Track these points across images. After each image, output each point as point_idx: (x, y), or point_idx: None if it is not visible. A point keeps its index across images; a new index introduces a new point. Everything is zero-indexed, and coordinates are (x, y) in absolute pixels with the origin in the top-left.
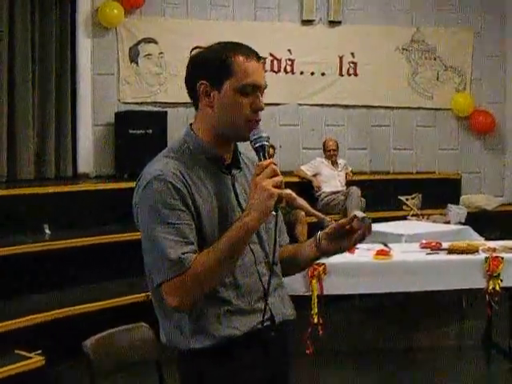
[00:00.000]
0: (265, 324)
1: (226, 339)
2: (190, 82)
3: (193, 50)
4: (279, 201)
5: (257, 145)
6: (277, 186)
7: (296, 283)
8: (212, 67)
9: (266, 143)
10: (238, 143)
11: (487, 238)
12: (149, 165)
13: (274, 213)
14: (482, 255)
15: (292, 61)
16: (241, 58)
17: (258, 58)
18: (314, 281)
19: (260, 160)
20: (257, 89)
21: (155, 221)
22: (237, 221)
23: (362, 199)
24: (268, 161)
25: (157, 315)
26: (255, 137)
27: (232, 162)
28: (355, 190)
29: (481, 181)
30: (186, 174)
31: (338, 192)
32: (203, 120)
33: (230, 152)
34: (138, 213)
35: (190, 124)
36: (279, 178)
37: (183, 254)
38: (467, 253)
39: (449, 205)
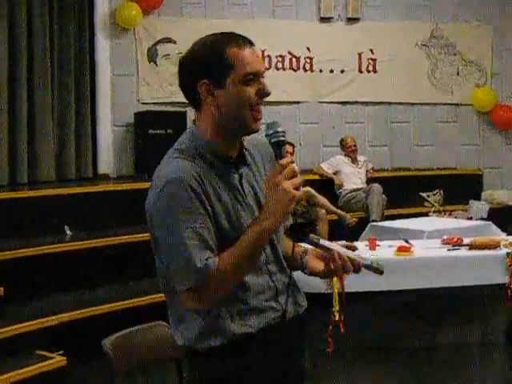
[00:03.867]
0: (277, 321)
1: (240, 337)
2: (188, 84)
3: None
4: (297, 201)
5: (273, 140)
6: (296, 188)
7: (317, 281)
8: (210, 65)
9: (282, 139)
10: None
11: (509, 234)
12: (160, 167)
13: None
14: (504, 250)
15: (311, 59)
16: (236, 50)
17: (250, 43)
18: (335, 278)
19: (277, 157)
20: (258, 75)
21: (175, 225)
22: (255, 224)
23: (384, 197)
24: (287, 160)
25: (169, 315)
26: (271, 131)
27: (238, 158)
28: (377, 188)
29: (502, 176)
30: (201, 174)
31: (359, 189)
32: (208, 119)
33: (236, 149)
34: (152, 216)
35: (193, 122)
36: (299, 180)
37: (207, 260)
38: (489, 248)
39: (470, 200)
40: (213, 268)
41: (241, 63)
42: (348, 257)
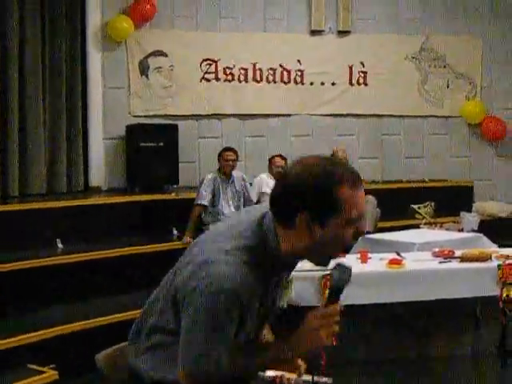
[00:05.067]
0: None
1: None
2: (287, 205)
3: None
4: None
5: (334, 282)
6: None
7: (308, 294)
8: (316, 202)
9: (344, 284)
10: None
11: (501, 245)
12: (221, 255)
13: None
14: (495, 262)
15: (302, 71)
16: (348, 192)
17: (361, 182)
18: (326, 291)
19: (331, 297)
20: (361, 218)
21: (208, 327)
22: (276, 348)
23: (378, 209)
24: (338, 307)
25: (142, 341)
26: (337, 271)
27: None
28: (371, 200)
29: (493, 188)
30: (256, 284)
31: None
32: (295, 243)
33: None
34: (190, 303)
35: (273, 226)
36: (336, 328)
37: (219, 366)
38: (480, 260)
39: (461, 212)
40: (220, 364)
41: (349, 207)
42: None
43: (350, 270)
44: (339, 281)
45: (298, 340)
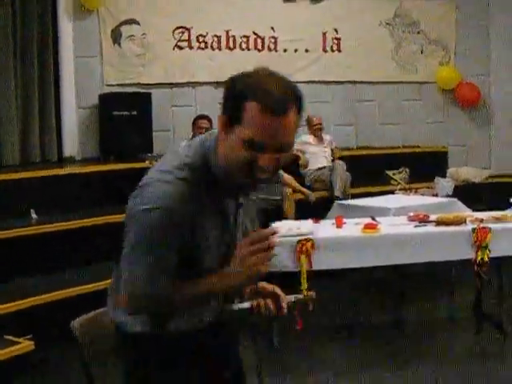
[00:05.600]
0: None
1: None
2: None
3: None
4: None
5: (262, 206)
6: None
7: (285, 259)
8: (229, 106)
9: (272, 207)
10: None
11: (475, 210)
12: (158, 175)
13: None
14: (470, 226)
15: (275, 38)
16: (256, 111)
17: (284, 110)
18: (302, 256)
19: (260, 223)
20: (267, 149)
21: (143, 247)
22: (221, 278)
23: (348, 174)
24: (267, 232)
25: (110, 293)
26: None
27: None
28: (340, 164)
29: (467, 153)
30: (196, 204)
31: (324, 168)
32: (221, 151)
33: None
34: (131, 218)
35: (214, 140)
36: (272, 253)
37: (159, 287)
38: (455, 224)
39: (436, 178)
40: (162, 297)
41: (248, 125)
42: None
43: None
44: (265, 200)
45: (231, 272)
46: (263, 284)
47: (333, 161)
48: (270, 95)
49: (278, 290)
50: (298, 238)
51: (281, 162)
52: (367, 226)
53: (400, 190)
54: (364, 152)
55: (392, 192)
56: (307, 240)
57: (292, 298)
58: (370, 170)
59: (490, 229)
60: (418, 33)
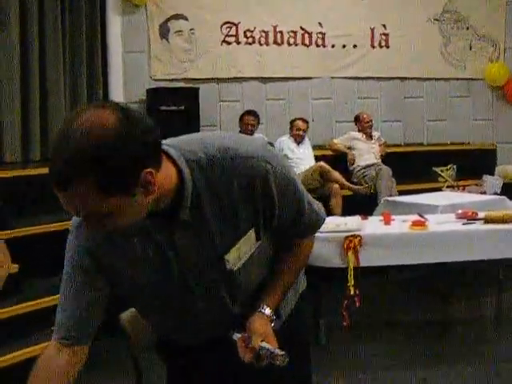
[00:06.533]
0: None
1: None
2: None
3: None
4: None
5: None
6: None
7: (332, 256)
8: None
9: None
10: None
11: None
12: None
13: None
14: None
15: (323, 34)
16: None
17: (63, 187)
18: (349, 253)
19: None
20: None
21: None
22: None
23: (393, 179)
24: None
25: None
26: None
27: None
28: (386, 171)
29: None
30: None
31: (372, 165)
32: None
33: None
34: None
35: None
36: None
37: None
38: (504, 222)
39: (484, 175)
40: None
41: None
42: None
43: None
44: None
45: None
46: (254, 321)
47: (381, 157)
48: (50, 170)
49: (254, 332)
50: (346, 234)
51: (107, 221)
52: (415, 223)
53: (447, 187)
54: (411, 149)
55: (439, 189)
56: (355, 236)
57: (267, 347)
58: (417, 167)
59: None
60: (467, 29)
